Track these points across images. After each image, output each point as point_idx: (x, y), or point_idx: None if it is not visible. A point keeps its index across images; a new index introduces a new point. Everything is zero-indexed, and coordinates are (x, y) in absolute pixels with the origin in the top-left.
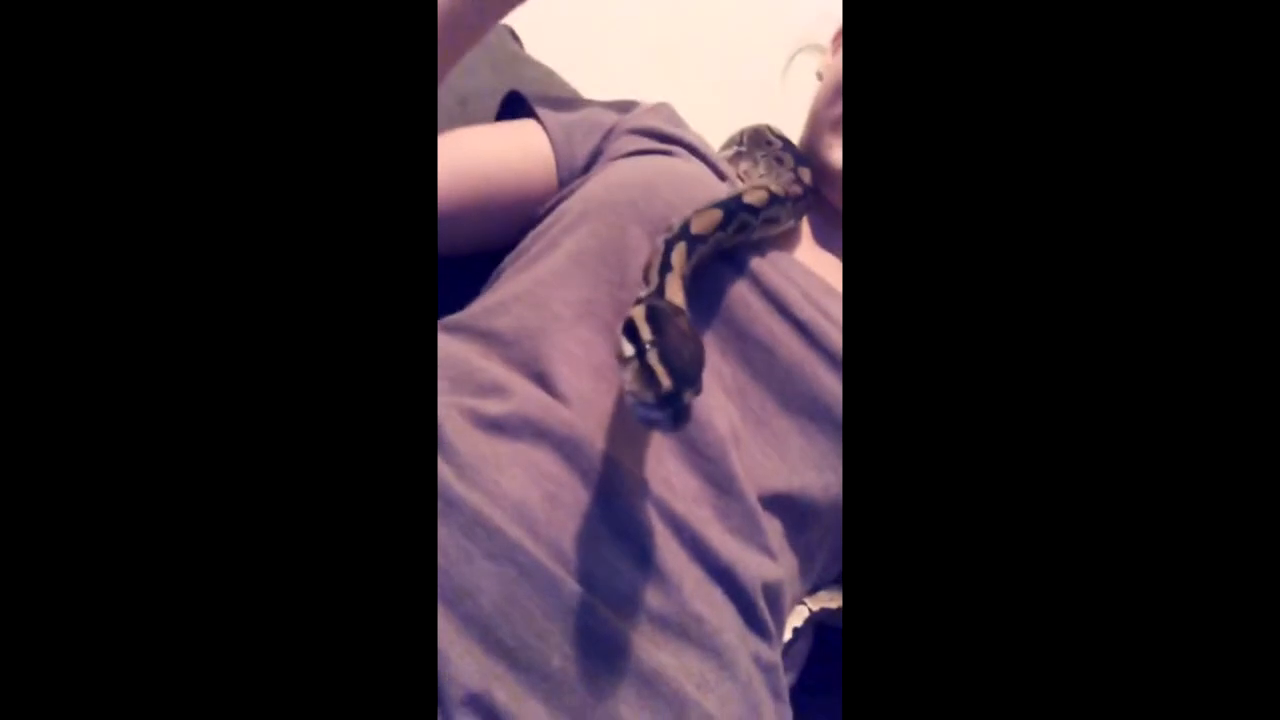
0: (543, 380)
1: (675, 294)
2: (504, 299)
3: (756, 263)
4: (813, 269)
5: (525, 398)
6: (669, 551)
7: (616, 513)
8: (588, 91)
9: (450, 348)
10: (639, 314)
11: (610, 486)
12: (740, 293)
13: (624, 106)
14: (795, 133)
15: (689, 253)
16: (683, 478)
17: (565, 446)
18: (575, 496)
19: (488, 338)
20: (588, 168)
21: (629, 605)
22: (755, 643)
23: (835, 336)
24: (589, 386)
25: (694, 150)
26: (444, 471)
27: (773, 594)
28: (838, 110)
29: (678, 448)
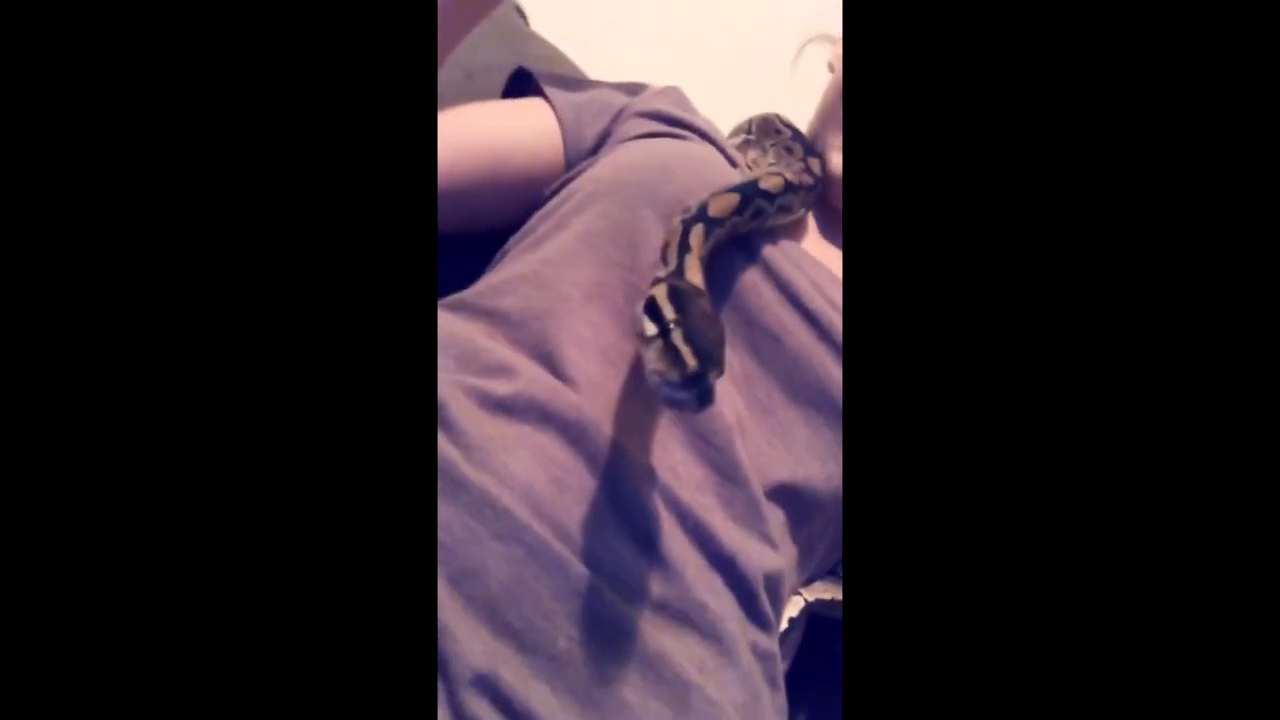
0: (550, 362)
1: (694, 275)
2: (510, 279)
3: (769, 250)
4: (820, 260)
5: (532, 379)
6: (673, 538)
7: (622, 498)
8: (593, 73)
9: (454, 326)
10: (661, 293)
11: (616, 472)
12: (752, 280)
13: (633, 89)
14: (802, 122)
15: (706, 235)
16: (688, 465)
17: (572, 431)
18: (581, 481)
19: (493, 317)
20: (596, 149)
21: (633, 590)
22: (754, 632)
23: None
24: (597, 370)
25: (704, 135)
26: (451, 452)
27: (773, 584)
28: None
29: (683, 435)
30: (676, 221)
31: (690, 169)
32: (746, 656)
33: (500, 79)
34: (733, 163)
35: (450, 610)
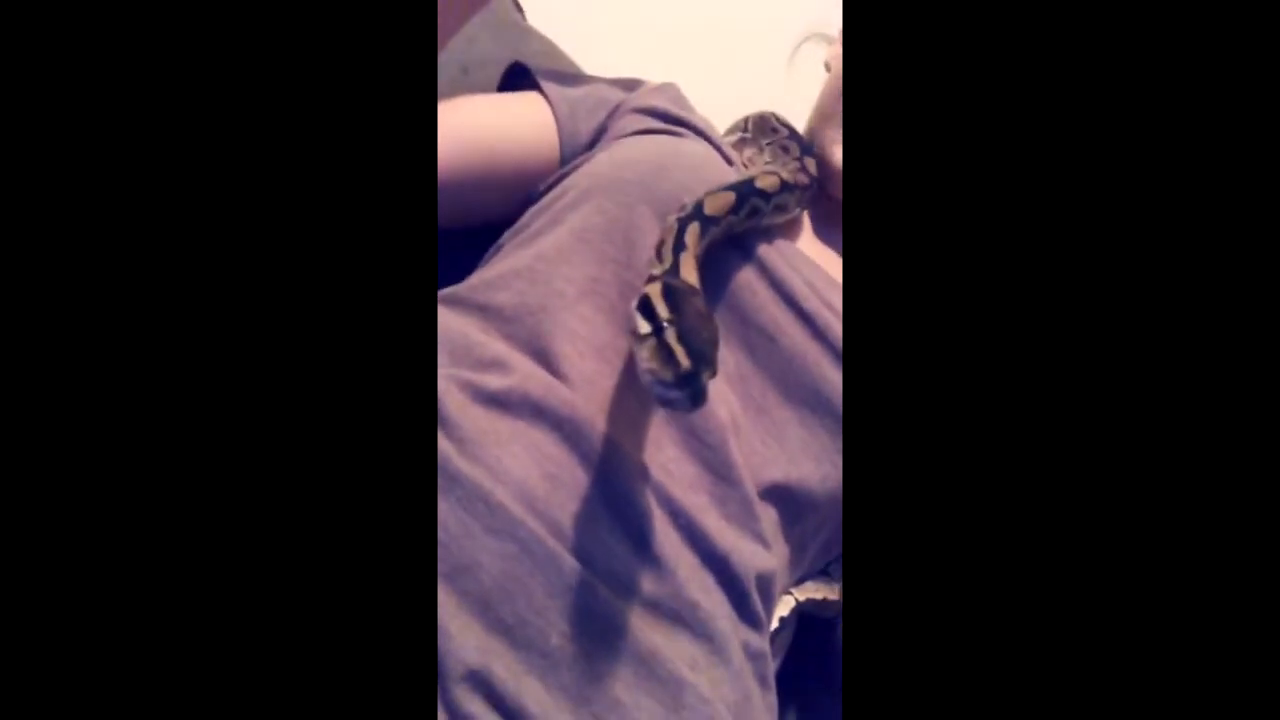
0: (544, 358)
1: (689, 273)
2: (504, 273)
3: (764, 250)
4: (815, 260)
5: (526, 375)
6: (665, 537)
7: (615, 496)
8: (589, 68)
9: (448, 320)
10: (655, 291)
11: (610, 469)
12: (747, 279)
13: (629, 84)
14: (798, 121)
15: (701, 234)
16: (681, 464)
17: (566, 427)
18: (575, 478)
19: (486, 312)
20: (591, 145)
21: (625, 587)
22: (746, 631)
23: (838, 329)
24: (591, 367)
25: (700, 133)
26: (444, 446)
27: (765, 584)
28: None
29: (677, 433)
30: (672, 219)
31: (686, 166)
32: (738, 655)
33: (496, 73)
34: (729, 161)
35: (443, 605)
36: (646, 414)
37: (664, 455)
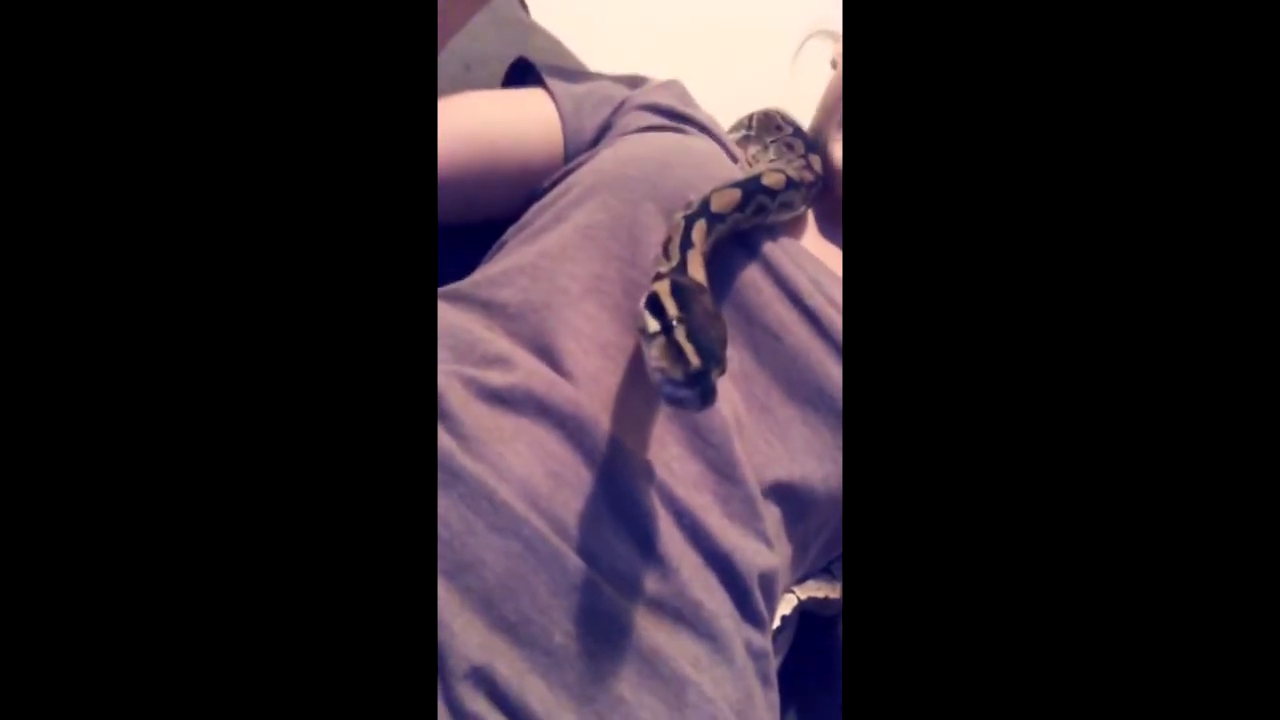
0: (548, 355)
1: (697, 271)
2: (508, 270)
3: (769, 247)
4: (819, 258)
5: (529, 372)
6: (669, 536)
7: (619, 495)
8: (594, 65)
9: (451, 316)
10: (664, 289)
11: (613, 468)
12: (752, 277)
13: (634, 81)
14: (803, 118)
15: (708, 231)
16: (685, 462)
17: (569, 425)
18: (579, 476)
19: (489, 308)
20: (596, 141)
21: (629, 586)
22: (748, 630)
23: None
24: (595, 365)
25: (705, 130)
26: (448, 442)
27: (767, 582)
28: None
29: (681, 432)
30: (678, 217)
31: (691, 163)
32: (741, 654)
33: (500, 70)
34: (733, 158)
35: (446, 602)
36: (650, 412)
37: (668, 453)
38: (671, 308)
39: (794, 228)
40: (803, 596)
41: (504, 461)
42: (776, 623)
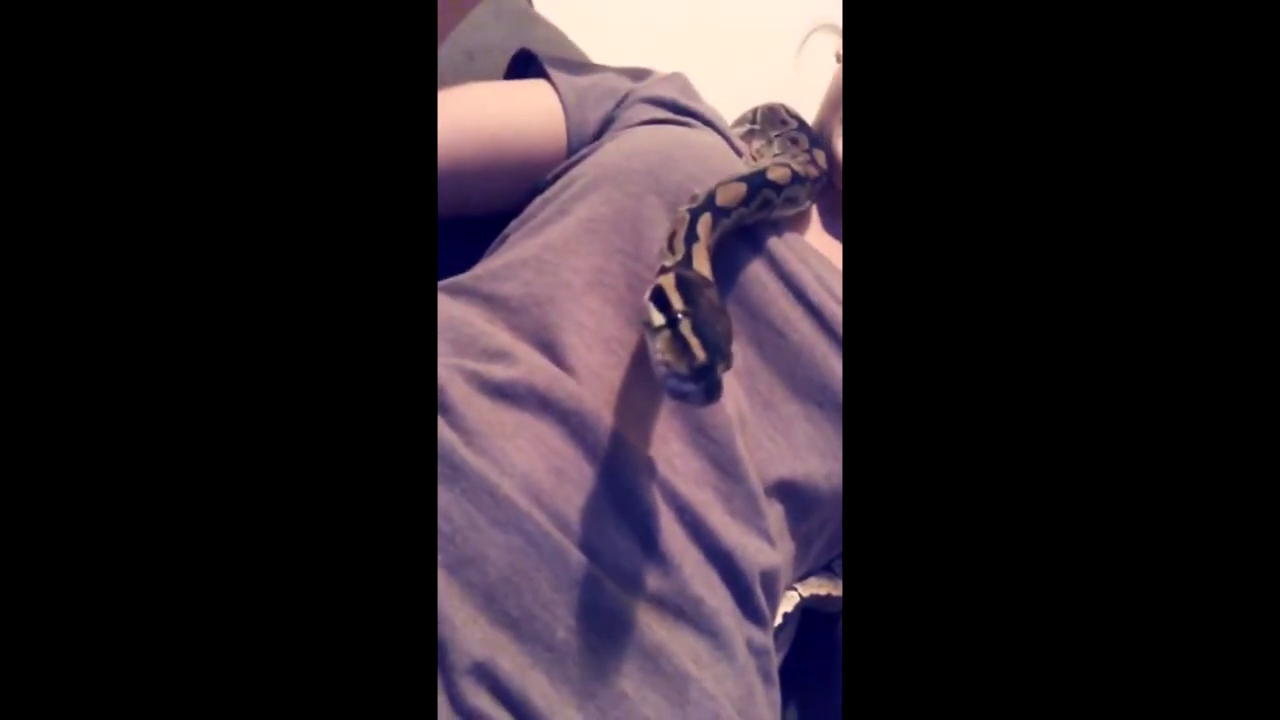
0: (550, 349)
1: (702, 264)
2: (510, 263)
3: (773, 242)
4: (823, 253)
5: (532, 366)
6: (671, 533)
7: (621, 491)
8: (598, 57)
9: (452, 310)
10: (669, 282)
11: (616, 464)
12: (757, 272)
13: (637, 74)
14: (807, 112)
15: (713, 225)
16: (687, 459)
17: (572, 420)
18: (581, 471)
19: (492, 302)
20: (599, 134)
21: (630, 582)
22: (750, 627)
23: None
24: (598, 359)
25: (709, 124)
26: (450, 437)
27: (769, 580)
28: None
29: (684, 428)
30: (683, 210)
31: (695, 157)
32: (742, 651)
33: (503, 61)
34: (738, 152)
35: (448, 598)
36: (653, 408)
37: (670, 450)
38: (677, 301)
39: (798, 223)
40: (805, 594)
41: (506, 456)
42: (778, 620)
